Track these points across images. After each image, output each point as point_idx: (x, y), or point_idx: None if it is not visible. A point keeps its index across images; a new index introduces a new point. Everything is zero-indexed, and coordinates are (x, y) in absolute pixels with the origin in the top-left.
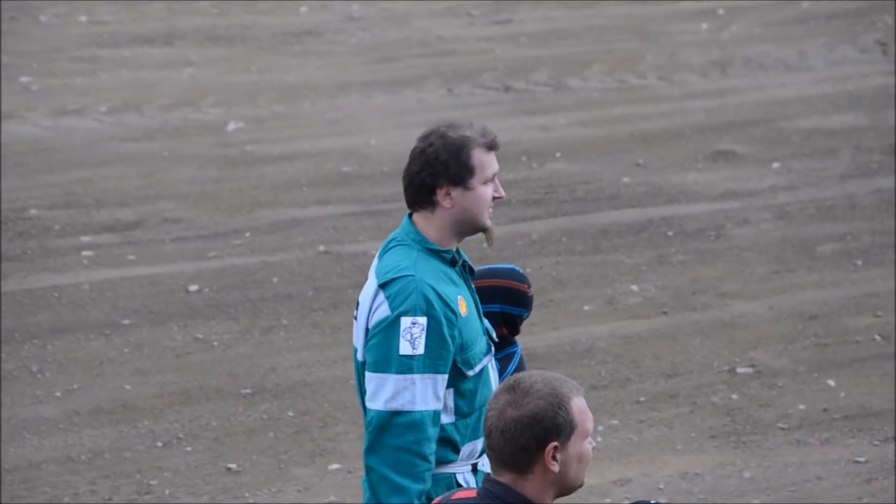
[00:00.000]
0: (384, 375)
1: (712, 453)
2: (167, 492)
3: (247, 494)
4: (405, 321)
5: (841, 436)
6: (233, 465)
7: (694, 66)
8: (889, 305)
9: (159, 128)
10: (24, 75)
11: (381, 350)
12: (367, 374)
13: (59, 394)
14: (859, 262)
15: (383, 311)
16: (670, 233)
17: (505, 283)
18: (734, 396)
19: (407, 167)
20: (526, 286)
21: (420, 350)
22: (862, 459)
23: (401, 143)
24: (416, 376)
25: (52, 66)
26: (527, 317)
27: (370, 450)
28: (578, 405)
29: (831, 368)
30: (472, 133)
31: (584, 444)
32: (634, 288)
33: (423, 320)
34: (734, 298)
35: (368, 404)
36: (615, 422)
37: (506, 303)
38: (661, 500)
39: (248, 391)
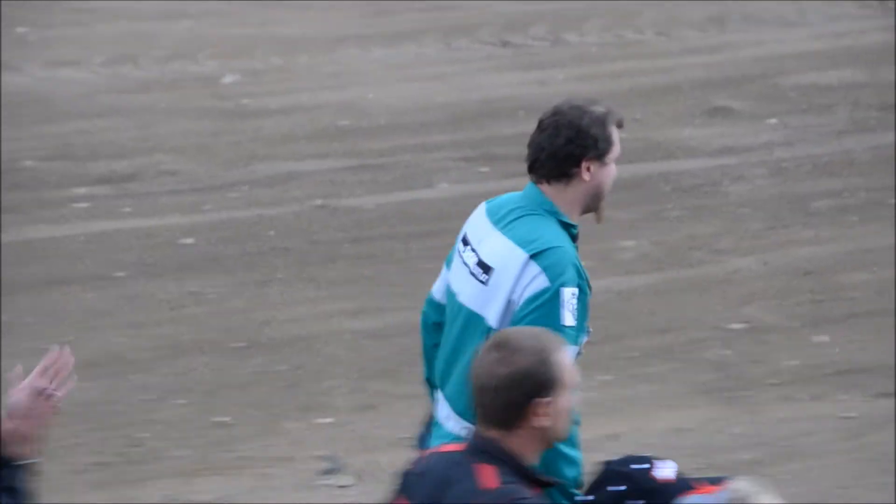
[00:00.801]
0: None
1: (703, 408)
2: (158, 444)
3: (238, 447)
4: (566, 292)
5: (832, 391)
6: (225, 419)
7: (692, 21)
8: (884, 261)
9: (156, 80)
10: (20, 25)
11: (546, 322)
12: None
13: (53, 345)
14: (855, 218)
15: (541, 282)
16: (667, 188)
17: None
18: (727, 352)
19: (547, 138)
20: None
21: (576, 321)
22: (852, 415)
23: (399, 97)
24: (574, 348)
25: (49, 17)
26: None
27: None
28: (564, 359)
29: (825, 324)
30: (608, 109)
31: (569, 398)
32: (629, 243)
33: (577, 291)
34: (729, 254)
35: None
36: (608, 377)
37: None
38: (651, 455)
39: (242, 345)
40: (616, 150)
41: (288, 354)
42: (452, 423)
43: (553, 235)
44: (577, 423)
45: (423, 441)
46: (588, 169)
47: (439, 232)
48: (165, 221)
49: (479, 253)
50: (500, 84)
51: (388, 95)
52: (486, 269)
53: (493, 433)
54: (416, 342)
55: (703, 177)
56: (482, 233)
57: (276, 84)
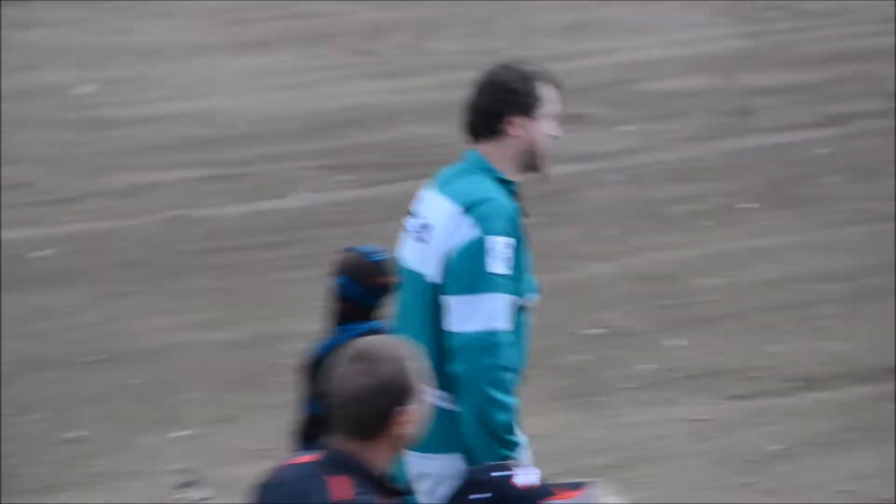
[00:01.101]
0: (477, 296)
1: (559, 414)
2: (11, 461)
3: (93, 462)
4: (497, 241)
5: (686, 395)
6: (80, 434)
7: (550, 28)
8: (737, 265)
9: (9, 90)
10: None
11: (474, 271)
12: (455, 298)
13: None
14: (709, 223)
15: (472, 232)
16: (525, 194)
17: (359, 262)
18: (582, 357)
19: (475, 98)
20: (376, 272)
21: (508, 270)
22: (706, 417)
23: (257, 106)
24: (504, 296)
25: None
26: (374, 304)
27: (474, 376)
28: (418, 367)
29: (679, 328)
30: (537, 67)
31: (423, 404)
32: None
33: (510, 241)
34: (586, 260)
35: (460, 327)
36: None
37: (349, 276)
38: (512, 462)
39: (97, 358)
40: (549, 107)
41: (144, 367)
42: None
43: (487, 189)
44: (515, 370)
45: None
46: (516, 124)
47: (297, 241)
48: (19, 234)
49: (422, 216)
50: (359, 93)
51: (247, 104)
52: (426, 228)
53: (349, 444)
54: (274, 352)
55: (560, 183)
56: (426, 200)
57: (133, 94)
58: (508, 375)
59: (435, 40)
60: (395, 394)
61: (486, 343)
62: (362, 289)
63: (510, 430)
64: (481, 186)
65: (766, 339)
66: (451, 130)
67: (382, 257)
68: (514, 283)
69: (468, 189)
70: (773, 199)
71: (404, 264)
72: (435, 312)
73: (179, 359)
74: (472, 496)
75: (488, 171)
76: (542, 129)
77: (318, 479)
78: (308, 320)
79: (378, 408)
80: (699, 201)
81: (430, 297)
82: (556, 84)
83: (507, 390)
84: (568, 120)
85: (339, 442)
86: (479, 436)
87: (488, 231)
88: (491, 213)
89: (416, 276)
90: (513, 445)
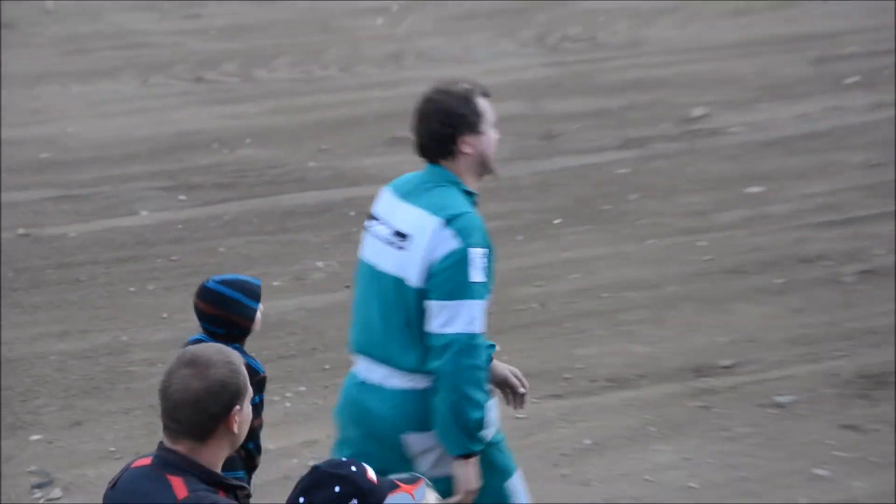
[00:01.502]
0: (460, 302)
1: None
2: None
3: None
4: (476, 252)
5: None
6: None
7: (372, 58)
8: (547, 276)
9: None
10: None
11: (457, 279)
12: (437, 303)
13: None
14: (521, 238)
15: (454, 243)
16: (352, 213)
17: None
18: None
19: (423, 125)
20: (199, 300)
21: (484, 278)
22: (523, 416)
23: (97, 131)
24: (481, 302)
25: None
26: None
27: (453, 373)
28: (244, 369)
29: (497, 335)
30: (469, 85)
31: (249, 406)
32: (320, 264)
33: (485, 252)
34: None
35: (444, 329)
36: (303, 388)
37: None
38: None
39: None
40: (488, 118)
41: None
42: (396, 380)
43: (461, 202)
44: (481, 368)
45: (349, 407)
46: (467, 142)
47: (141, 257)
48: None
49: (392, 224)
50: (196, 118)
51: (89, 130)
52: (402, 236)
53: (181, 446)
54: (122, 361)
55: None
56: (391, 208)
57: None
58: (483, 375)
59: (266, 69)
60: (229, 395)
61: (466, 345)
62: (194, 305)
63: (482, 427)
64: (456, 200)
65: (577, 344)
66: (282, 154)
67: (206, 284)
68: (487, 289)
69: (445, 202)
70: (580, 215)
71: (379, 268)
72: (415, 313)
73: (30, 368)
74: (329, 489)
75: (456, 183)
76: (489, 139)
77: (158, 481)
78: (155, 330)
79: (213, 409)
80: (512, 217)
81: (412, 301)
82: (488, 94)
83: (482, 389)
84: (391, 143)
85: (169, 444)
86: (453, 429)
87: (468, 243)
88: (470, 226)
89: (398, 281)
90: (481, 441)
